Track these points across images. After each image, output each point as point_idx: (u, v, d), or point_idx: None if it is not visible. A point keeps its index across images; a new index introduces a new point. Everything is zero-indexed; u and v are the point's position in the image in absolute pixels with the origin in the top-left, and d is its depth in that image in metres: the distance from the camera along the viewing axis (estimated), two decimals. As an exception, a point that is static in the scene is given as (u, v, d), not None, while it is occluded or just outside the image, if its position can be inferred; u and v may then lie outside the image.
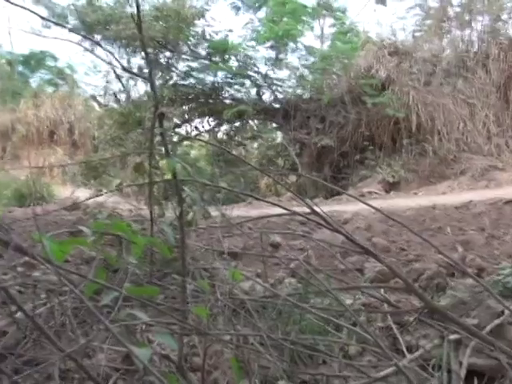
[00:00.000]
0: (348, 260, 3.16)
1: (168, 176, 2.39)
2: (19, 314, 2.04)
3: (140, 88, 14.41)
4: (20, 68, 23.28)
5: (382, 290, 2.48)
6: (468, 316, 2.16)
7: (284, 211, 2.08)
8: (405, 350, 1.89)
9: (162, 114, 1.63)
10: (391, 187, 11.19)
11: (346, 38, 14.50)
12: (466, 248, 3.44)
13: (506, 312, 1.98)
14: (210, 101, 13.88)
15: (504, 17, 12.82)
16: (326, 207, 3.15)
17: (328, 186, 9.90)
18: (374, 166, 11.68)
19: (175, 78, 13.93)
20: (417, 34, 13.75)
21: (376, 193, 10.65)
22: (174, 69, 13.96)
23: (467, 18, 12.96)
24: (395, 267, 3.02)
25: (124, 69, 13.90)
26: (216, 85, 13.82)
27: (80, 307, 2.20)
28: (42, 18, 13.75)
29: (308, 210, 2.05)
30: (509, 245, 3.38)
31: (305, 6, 14.22)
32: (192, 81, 13.94)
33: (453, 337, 1.83)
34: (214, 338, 1.78)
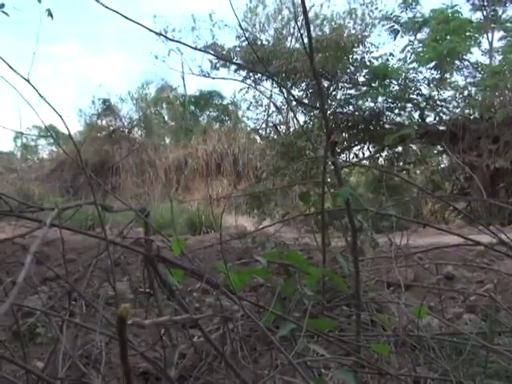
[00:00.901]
0: (538, 296, 2.80)
1: (333, 204, 2.37)
2: (197, 339, 2.15)
3: (300, 119, 14.80)
4: (191, 107, 25.51)
5: None
6: None
7: (463, 240, 1.91)
8: None
9: (335, 142, 1.61)
10: None
11: (520, 50, 13.26)
12: None
13: None
14: (370, 127, 13.66)
15: None
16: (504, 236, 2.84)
17: (506, 211, 9.01)
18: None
19: (334, 106, 14.03)
20: None
21: None
22: (332, 97, 14.08)
23: None
24: None
25: (295, 99, 14.39)
26: (376, 110, 13.59)
27: (251, 335, 2.26)
28: (218, 57, 14.96)
29: (486, 240, 1.86)
30: None
31: (470, 21, 13.41)
32: (351, 108, 13.91)
33: None
34: (389, 376, 1.68)
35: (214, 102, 26.04)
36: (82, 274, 1.88)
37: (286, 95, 12.08)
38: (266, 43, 15.18)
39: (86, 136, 22.45)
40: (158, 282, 1.64)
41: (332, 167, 2.00)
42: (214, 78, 17.33)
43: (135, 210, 1.81)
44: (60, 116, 1.70)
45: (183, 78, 24.13)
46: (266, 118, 20.81)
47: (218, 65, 16.13)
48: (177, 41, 9.61)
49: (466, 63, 13.31)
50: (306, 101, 14.13)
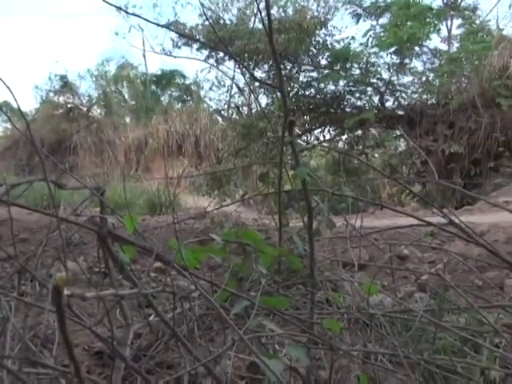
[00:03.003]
0: (486, 275, 2.91)
1: (292, 186, 2.38)
2: (152, 318, 2.15)
3: (262, 101, 14.78)
4: (153, 87, 25.06)
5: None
6: None
7: (417, 222, 1.96)
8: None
9: (293, 122, 1.61)
10: (532, 197, 10.21)
11: (476, 37, 13.58)
12: None
13: None
14: (331, 110, 13.79)
15: None
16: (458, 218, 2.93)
17: (459, 194, 9.30)
18: (510, 174, 10.77)
19: (296, 88, 14.06)
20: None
21: (514, 202, 9.76)
22: (294, 80, 14.11)
23: None
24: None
25: (255, 79, 14.34)
26: (337, 94, 13.71)
27: (207, 314, 2.27)
28: (180, 34, 14.69)
29: (439, 221, 1.91)
30: None
31: (431, 8, 13.61)
32: (313, 91, 13.98)
33: None
34: (341, 352, 1.72)
35: (175, 81, 25.64)
36: (33, 253, 1.83)
37: (247, 76, 12.02)
38: (229, 23, 14.99)
39: (40, 113, 21.78)
40: (112, 261, 1.62)
41: (290, 148, 2.01)
42: (175, 57, 17.01)
43: (89, 187, 1.77)
44: (10, 90, 1.63)
45: (144, 56, 23.62)
46: (228, 98, 20.66)
47: (179, 43, 15.84)
48: (138, 16, 9.41)
49: (425, 49, 13.55)
50: (269, 81, 14.12)
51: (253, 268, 1.67)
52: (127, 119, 24.61)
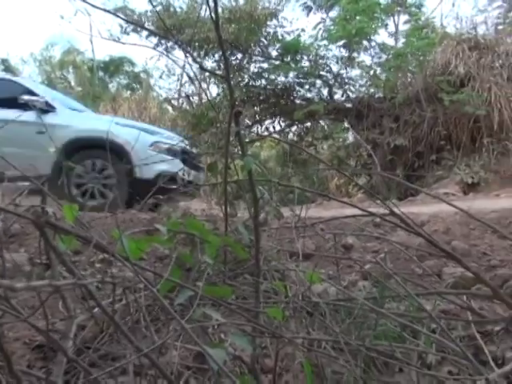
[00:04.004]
0: (425, 264, 3.02)
1: (240, 176, 2.39)
2: (97, 310, 2.11)
3: (212, 91, 14.70)
4: (100, 73, 24.42)
5: (465, 297, 2.34)
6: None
7: (361, 212, 2.01)
8: (491, 362, 1.77)
9: (239, 112, 1.61)
10: (470, 189, 10.67)
11: (421, 34, 13.99)
12: (556, 254, 3.19)
13: None
14: (281, 101, 13.88)
15: None
16: (400, 209, 3.03)
17: (403, 186, 9.60)
18: (451, 167, 11.20)
19: (246, 79, 14.06)
20: (499, 27, 13.04)
21: (453, 194, 10.18)
22: (245, 70, 14.09)
23: (554, 8, 12.14)
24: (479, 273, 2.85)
25: (202, 68, 14.21)
26: (287, 85, 13.80)
27: (154, 304, 2.25)
28: (127, 21, 14.34)
29: (383, 212, 1.97)
30: None
31: (378, 3, 13.90)
32: (263, 82, 14.02)
33: (547, 351, 1.69)
34: (287, 341, 1.75)
35: (124, 68, 25.07)
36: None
37: (197, 64, 11.95)
38: (180, 10, 14.76)
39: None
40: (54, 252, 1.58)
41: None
42: (124, 44, 16.60)
43: (29, 177, 1.71)
44: None
45: (91, 42, 22.96)
46: (178, 87, 20.40)
47: (128, 29, 15.48)
48: (84, 0, 9.06)
49: (373, 44, 13.84)
50: (219, 72, 14.03)
51: (198, 258, 1.67)
52: (73, 106, 23.87)
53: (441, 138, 11.61)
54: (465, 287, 2.60)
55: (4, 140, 5.93)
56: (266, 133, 14.36)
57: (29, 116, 6.45)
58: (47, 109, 6.76)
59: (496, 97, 10.88)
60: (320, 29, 13.86)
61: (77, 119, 7.11)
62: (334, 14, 14.25)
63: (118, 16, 16.09)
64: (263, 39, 13.69)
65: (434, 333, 1.98)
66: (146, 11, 14.53)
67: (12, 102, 6.63)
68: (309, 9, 14.74)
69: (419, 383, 1.77)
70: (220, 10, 13.26)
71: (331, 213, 5.44)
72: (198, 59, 13.76)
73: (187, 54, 15.31)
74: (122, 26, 15.50)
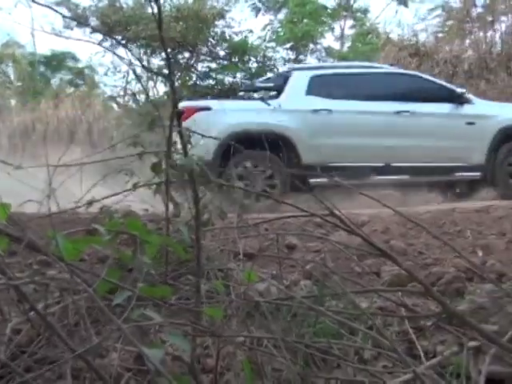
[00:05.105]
0: (365, 263, 3.12)
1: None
2: (33, 313, 2.05)
3: (160, 89, 14.53)
4: (42, 68, 23.58)
5: (400, 294, 2.44)
6: (487, 322, 2.11)
7: (301, 213, 2.05)
8: (422, 355, 1.85)
9: (181, 112, 1.61)
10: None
11: (366, 39, 14.40)
12: (486, 252, 3.37)
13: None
14: (229, 101, 13.91)
15: (528, 18, 12.62)
16: (342, 209, 3.11)
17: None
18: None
19: (194, 78, 14.00)
20: (438, 35, 13.60)
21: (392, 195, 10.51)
22: (193, 69, 14.02)
23: (490, 18, 12.76)
24: (413, 271, 2.97)
25: (144, 67, 14.01)
26: (235, 85, 13.84)
27: (94, 306, 2.21)
28: (67, 17, 13.94)
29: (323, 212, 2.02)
30: (530, 250, 3.31)
31: (325, 7, 14.19)
32: (211, 81, 14.00)
33: (472, 344, 1.79)
34: (228, 340, 1.77)
35: (67, 63, 24.30)
36: None
37: (139, 63, 11.74)
38: (126, 6, 14.50)
39: None
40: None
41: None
42: (67, 38, 16.14)
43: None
44: None
45: (33, 35, 22.12)
46: (124, 85, 19.99)
47: (72, 24, 15.06)
48: (24, -8, 8.76)
49: (320, 47, 14.12)
50: (166, 70, 13.88)
51: (138, 258, 1.66)
52: (12, 102, 22.93)
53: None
54: (400, 285, 2.71)
55: (435, 133, 6.04)
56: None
57: (449, 108, 6.50)
58: (463, 101, 6.67)
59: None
60: (268, 30, 14.01)
61: (498, 109, 6.96)
62: (282, 16, 14.43)
63: (56, 11, 15.57)
64: (211, 39, 13.66)
65: (372, 329, 2.05)
66: (91, 6, 14.20)
67: (432, 97, 6.59)
68: (257, 10, 14.86)
69: (356, 378, 1.83)
70: (167, 7, 13.13)
71: (275, 213, 5.50)
72: (145, 57, 13.57)
73: (131, 52, 15.05)
74: (65, 20, 15.08)
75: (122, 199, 3.14)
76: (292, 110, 6.12)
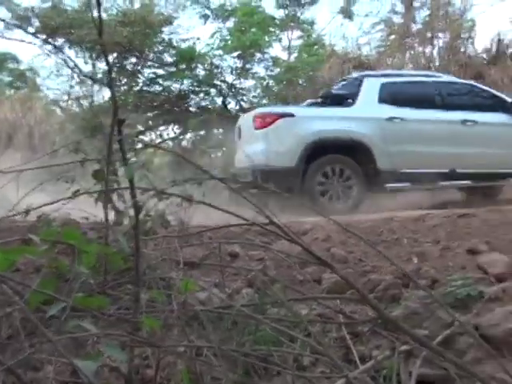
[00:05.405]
0: (306, 270, 3.18)
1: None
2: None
3: (105, 94, 14.25)
4: (-20, 69, 22.59)
5: (338, 301, 2.50)
6: (420, 327, 2.20)
7: (242, 221, 2.08)
8: (357, 360, 1.91)
9: (122, 120, 1.60)
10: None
11: (312, 50, 14.69)
12: (421, 259, 3.51)
13: (456, 323, 2.03)
14: (176, 108, 13.81)
15: (463, 35, 13.26)
16: (286, 217, 3.16)
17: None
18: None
19: (141, 84, 13.83)
20: (381, 48, 14.07)
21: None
22: (139, 75, 13.85)
23: (429, 35, 13.34)
24: (352, 278, 3.05)
25: (82, 73, 13.67)
26: (182, 93, 13.77)
27: (28, 318, 2.14)
28: (3, 20, 13.40)
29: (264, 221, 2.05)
30: (461, 256, 3.47)
31: (273, 18, 14.38)
32: (158, 88, 13.87)
33: (403, 347, 1.87)
34: (168, 350, 1.76)
35: (7, 65, 23.38)
36: None
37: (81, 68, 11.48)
38: (70, 9, 14.13)
39: None
40: None
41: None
42: (8, 39, 15.53)
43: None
44: None
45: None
46: (68, 89, 19.43)
47: (11, 25, 14.51)
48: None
49: (267, 56, 14.27)
50: (112, 75, 13.64)
51: (75, 267, 1.63)
52: None
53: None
54: (340, 292, 2.78)
55: (495, 141, 6.35)
56: (159, 140, 14.21)
57: (505, 118, 6.78)
58: None
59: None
60: (217, 38, 14.02)
61: None
62: (230, 24, 14.47)
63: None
64: (158, 45, 13.54)
65: (310, 335, 2.09)
66: (33, 7, 13.74)
67: (488, 106, 6.88)
68: (206, 17, 14.81)
69: (294, 384, 1.86)
70: (114, 11, 12.93)
71: (222, 220, 5.50)
72: (90, 60, 13.29)
73: (80, 55, 14.69)
74: (4, 20, 14.51)
75: (62, 207, 3.06)
76: (368, 117, 6.37)
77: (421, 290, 2.66)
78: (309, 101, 7.87)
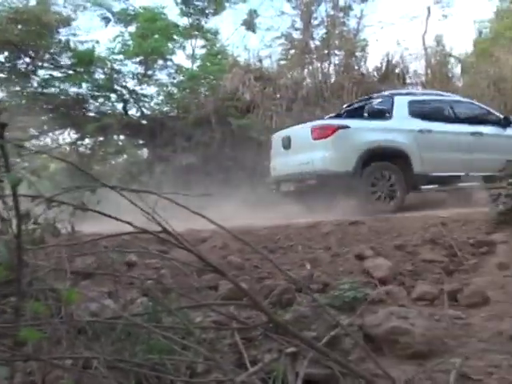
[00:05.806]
0: (203, 278, 3.20)
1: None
2: None
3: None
4: None
5: (233, 307, 2.55)
6: (309, 329, 2.31)
7: (133, 230, 2.05)
8: (248, 364, 1.96)
9: (4, 125, 1.52)
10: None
11: (215, 59, 14.77)
12: (314, 265, 3.67)
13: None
14: (73, 112, 13.25)
15: (357, 54, 14.07)
16: (184, 224, 3.16)
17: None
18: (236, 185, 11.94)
19: (35, 85, 13.10)
20: (281, 62, 14.51)
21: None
22: (33, 76, 13.12)
23: (326, 51, 13.99)
24: (248, 284, 3.12)
25: None
26: (80, 96, 13.24)
27: None
28: None
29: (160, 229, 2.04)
30: (350, 262, 3.68)
31: (176, 25, 14.28)
32: (53, 90, 13.20)
33: (290, 350, 1.94)
34: (53, 364, 1.69)
35: None
36: None
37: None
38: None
39: None
40: None
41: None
42: None
43: None
44: None
45: None
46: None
47: None
48: None
49: (170, 63, 14.14)
50: (3, 75, 12.84)
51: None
52: None
53: (228, 159, 12.32)
54: (236, 298, 2.83)
55: (496, 149, 7.62)
56: (55, 144, 13.54)
57: (499, 130, 8.25)
58: (505, 123, 8.32)
59: (276, 124, 12.00)
60: (118, 42, 13.64)
61: None
62: (133, 29, 14.13)
63: None
64: (54, 46, 12.90)
65: (205, 342, 2.11)
66: None
67: (484, 120, 8.30)
68: (107, 20, 14.32)
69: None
70: (5, 7, 12.17)
71: (117, 228, 5.37)
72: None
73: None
74: None
75: None
76: (405, 129, 7.51)
77: (313, 294, 2.79)
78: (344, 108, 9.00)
